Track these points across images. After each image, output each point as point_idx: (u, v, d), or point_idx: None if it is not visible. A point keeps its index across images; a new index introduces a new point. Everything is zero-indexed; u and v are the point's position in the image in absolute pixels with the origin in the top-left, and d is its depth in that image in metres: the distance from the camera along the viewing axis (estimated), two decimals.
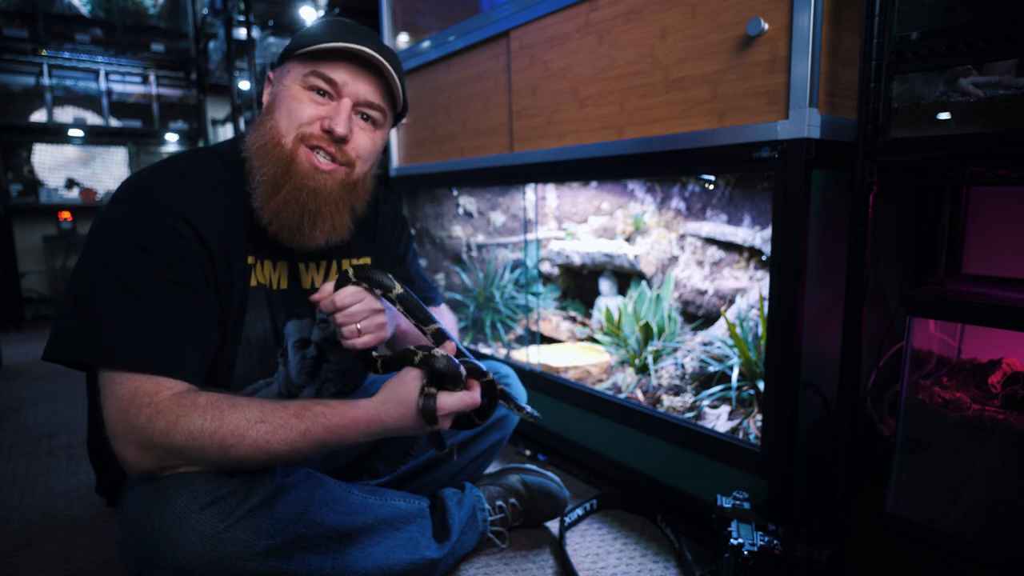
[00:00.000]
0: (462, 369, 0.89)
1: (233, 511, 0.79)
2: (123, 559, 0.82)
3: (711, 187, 1.81)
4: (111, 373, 0.79)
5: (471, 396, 0.88)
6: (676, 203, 1.94)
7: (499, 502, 1.22)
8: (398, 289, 0.95)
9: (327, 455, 1.15)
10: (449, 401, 0.87)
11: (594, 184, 2.15)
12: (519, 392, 1.31)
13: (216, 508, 0.78)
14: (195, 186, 0.88)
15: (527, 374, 1.64)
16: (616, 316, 1.93)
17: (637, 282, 2.01)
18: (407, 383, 0.87)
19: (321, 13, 3.79)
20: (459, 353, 0.94)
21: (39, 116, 3.93)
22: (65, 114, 4.02)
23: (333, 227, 0.93)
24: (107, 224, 0.83)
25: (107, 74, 4.11)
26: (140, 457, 0.78)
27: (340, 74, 0.91)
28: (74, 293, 0.81)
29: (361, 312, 0.92)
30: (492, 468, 1.35)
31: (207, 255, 0.87)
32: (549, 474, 1.29)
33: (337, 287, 0.92)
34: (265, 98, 0.96)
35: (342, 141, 0.91)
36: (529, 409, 0.96)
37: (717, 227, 1.81)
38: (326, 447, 0.83)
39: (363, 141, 0.94)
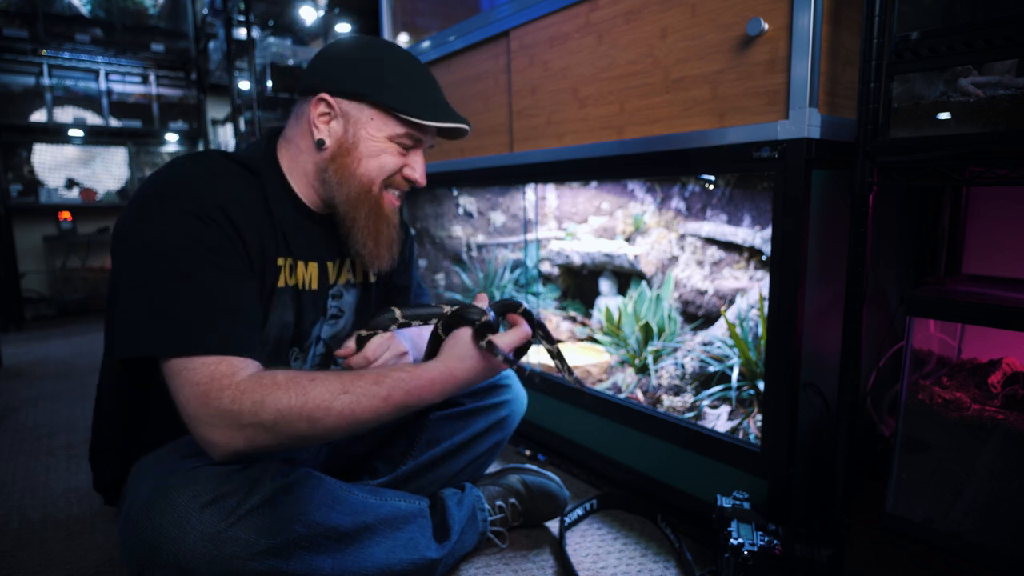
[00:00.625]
0: (490, 312, 0.93)
1: (234, 510, 0.79)
2: (123, 558, 0.82)
3: (711, 187, 1.81)
4: (183, 361, 0.79)
5: (522, 330, 0.93)
6: (676, 203, 1.94)
7: (499, 502, 1.22)
8: (398, 313, 1.00)
9: (328, 456, 1.16)
10: (505, 339, 0.91)
11: (594, 184, 2.15)
12: (519, 394, 1.31)
13: (217, 507, 0.79)
14: (231, 186, 0.90)
15: (527, 374, 1.64)
16: (616, 316, 1.93)
17: (637, 282, 2.01)
18: (460, 340, 0.91)
19: (321, 13, 3.80)
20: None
21: (39, 116, 3.93)
22: (65, 114, 4.03)
23: (396, 246, 1.04)
24: (152, 218, 0.84)
25: (107, 74, 4.11)
26: (230, 438, 0.78)
27: (429, 138, 1.00)
28: (131, 289, 0.81)
29: (391, 358, 0.99)
30: (492, 468, 1.35)
31: (245, 250, 0.89)
32: (549, 474, 1.29)
33: (359, 345, 0.98)
34: (325, 124, 0.96)
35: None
36: (569, 375, 0.98)
37: (717, 227, 1.81)
38: (406, 410, 0.84)
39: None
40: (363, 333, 0.99)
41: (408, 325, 1.02)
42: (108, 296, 0.91)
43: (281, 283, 0.97)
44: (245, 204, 0.90)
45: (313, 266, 1.02)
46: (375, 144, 0.96)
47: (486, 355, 0.89)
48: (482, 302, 0.98)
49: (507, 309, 0.96)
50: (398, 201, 1.02)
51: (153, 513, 0.77)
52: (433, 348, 0.94)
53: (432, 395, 0.86)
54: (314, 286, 1.03)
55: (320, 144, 0.96)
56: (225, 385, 0.78)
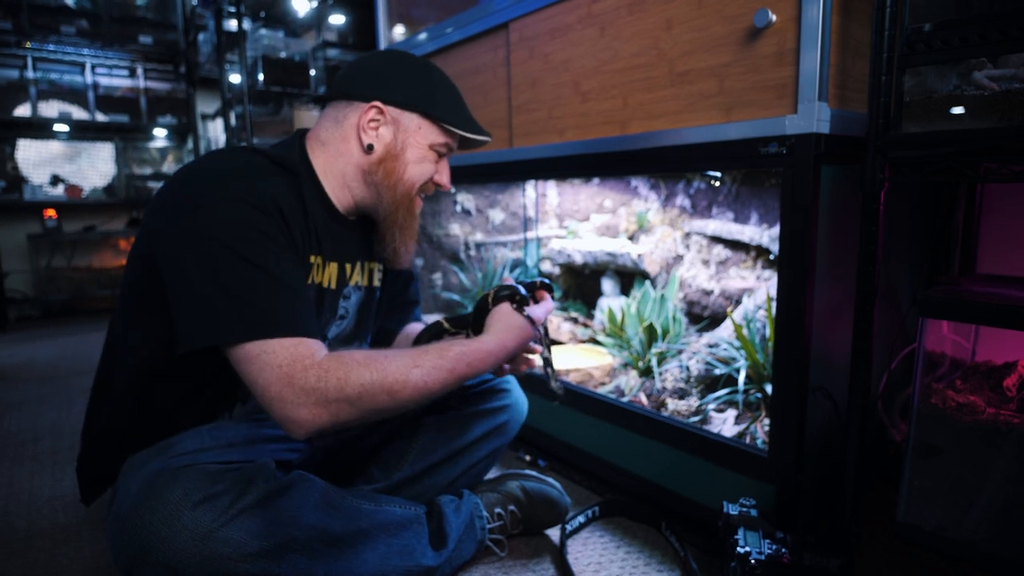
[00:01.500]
0: (520, 288, 1.10)
1: (226, 510, 0.80)
2: (112, 557, 0.83)
3: (717, 184, 1.81)
4: (261, 344, 0.82)
5: (549, 302, 1.12)
6: (681, 200, 1.94)
7: (498, 509, 1.22)
8: (445, 326, 1.15)
9: (323, 461, 1.16)
10: (539, 311, 1.07)
11: (596, 181, 2.15)
12: (519, 399, 1.31)
13: (209, 506, 0.79)
14: (275, 180, 0.95)
15: (527, 377, 1.64)
16: (619, 317, 1.93)
17: (641, 282, 2.01)
18: (505, 312, 1.05)
19: (314, 4, 3.79)
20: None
21: (23, 110, 3.93)
22: (50, 108, 4.02)
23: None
24: (209, 206, 0.86)
25: (93, 67, 4.11)
26: (316, 415, 0.82)
27: (455, 148, 1.11)
28: (198, 277, 0.83)
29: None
30: (491, 474, 1.35)
31: (293, 243, 0.94)
32: (550, 480, 1.29)
33: (437, 336, 1.13)
34: (374, 129, 1.04)
35: None
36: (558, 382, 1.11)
37: (723, 225, 1.81)
38: (466, 379, 0.95)
39: None
40: (450, 329, 1.14)
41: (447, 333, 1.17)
42: (126, 289, 0.95)
43: (309, 280, 1.01)
44: (289, 200, 0.95)
45: (334, 266, 1.07)
46: (419, 151, 1.05)
47: (528, 324, 1.04)
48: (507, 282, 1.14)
49: (532, 288, 1.14)
50: (421, 204, 1.12)
51: (143, 511, 0.78)
52: (478, 322, 1.08)
53: (488, 365, 0.97)
54: (333, 286, 1.07)
55: (369, 148, 1.03)
56: (308, 365, 0.82)
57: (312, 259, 1.01)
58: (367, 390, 0.84)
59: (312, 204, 1.01)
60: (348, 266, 1.10)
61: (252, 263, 0.84)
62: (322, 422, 0.83)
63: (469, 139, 1.09)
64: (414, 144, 1.04)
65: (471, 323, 1.10)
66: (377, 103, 1.02)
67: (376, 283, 1.20)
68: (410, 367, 0.88)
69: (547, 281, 1.15)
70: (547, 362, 1.12)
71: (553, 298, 1.14)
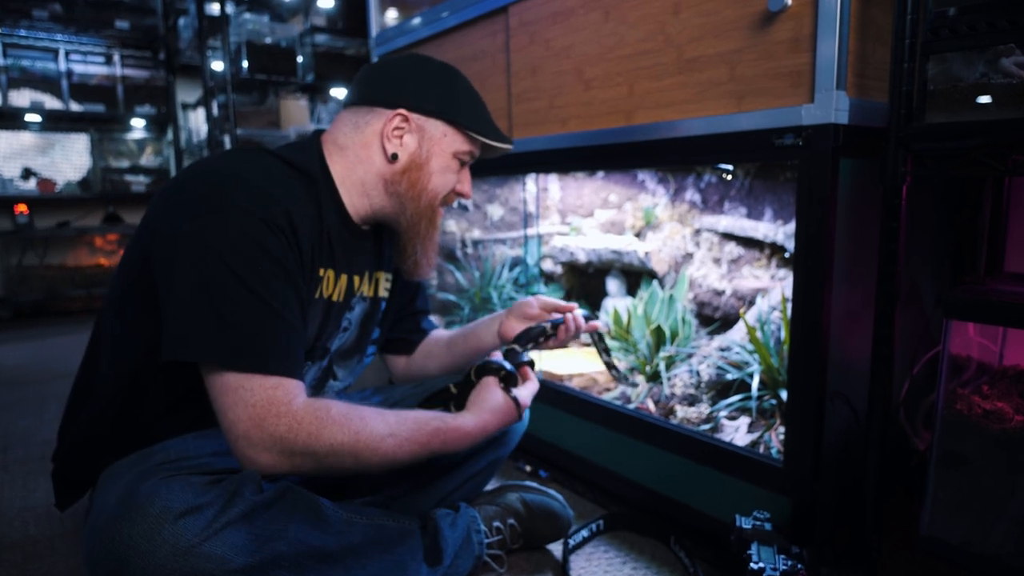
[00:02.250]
0: (507, 364, 1.12)
1: (210, 523, 0.80)
2: (87, 571, 0.83)
3: (729, 177, 1.81)
4: (241, 378, 0.84)
5: (534, 384, 1.12)
6: (691, 195, 1.94)
7: (496, 523, 1.22)
8: (453, 391, 1.15)
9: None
10: (525, 393, 1.09)
11: (601, 174, 2.15)
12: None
13: (191, 519, 0.79)
14: (293, 190, 0.96)
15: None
16: (625, 319, 1.93)
17: (648, 281, 2.01)
18: (493, 392, 1.06)
19: None
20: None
21: None
22: (21, 97, 4.02)
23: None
24: (215, 215, 0.86)
25: (67, 53, 4.11)
26: (276, 463, 0.85)
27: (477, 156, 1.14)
28: (192, 289, 0.84)
29: None
30: (490, 486, 1.35)
31: (300, 261, 0.94)
32: (551, 492, 1.29)
33: (511, 359, 1.15)
34: (398, 137, 1.05)
35: None
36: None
37: (736, 221, 1.81)
38: (436, 455, 0.96)
39: None
40: (516, 348, 1.18)
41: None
42: (122, 287, 0.96)
43: (317, 294, 1.02)
44: (305, 211, 0.96)
45: (344, 279, 1.08)
46: (444, 160, 1.07)
47: (513, 406, 1.05)
48: (531, 308, 1.23)
49: (517, 364, 1.15)
50: (442, 214, 1.15)
51: (122, 523, 0.78)
52: (461, 396, 1.09)
53: (464, 445, 0.99)
54: (341, 299, 1.08)
55: (394, 158, 1.05)
56: (282, 412, 0.84)
57: (322, 272, 1.01)
58: (334, 451, 0.86)
59: (328, 213, 1.02)
60: (357, 278, 1.12)
61: (248, 287, 0.85)
62: (280, 470, 0.86)
63: (491, 147, 1.11)
64: (439, 153, 1.07)
65: (454, 396, 1.12)
66: (402, 111, 1.04)
67: (383, 293, 1.21)
68: (384, 435, 0.90)
69: (531, 360, 1.16)
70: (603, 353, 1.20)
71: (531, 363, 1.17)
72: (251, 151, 0.99)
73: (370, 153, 1.05)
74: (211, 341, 0.83)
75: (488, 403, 1.04)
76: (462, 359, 1.30)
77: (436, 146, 1.06)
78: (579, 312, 1.23)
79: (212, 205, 0.87)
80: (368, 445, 0.88)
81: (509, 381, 1.09)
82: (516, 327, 1.24)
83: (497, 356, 1.14)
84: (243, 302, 0.84)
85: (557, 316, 1.22)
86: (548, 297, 1.26)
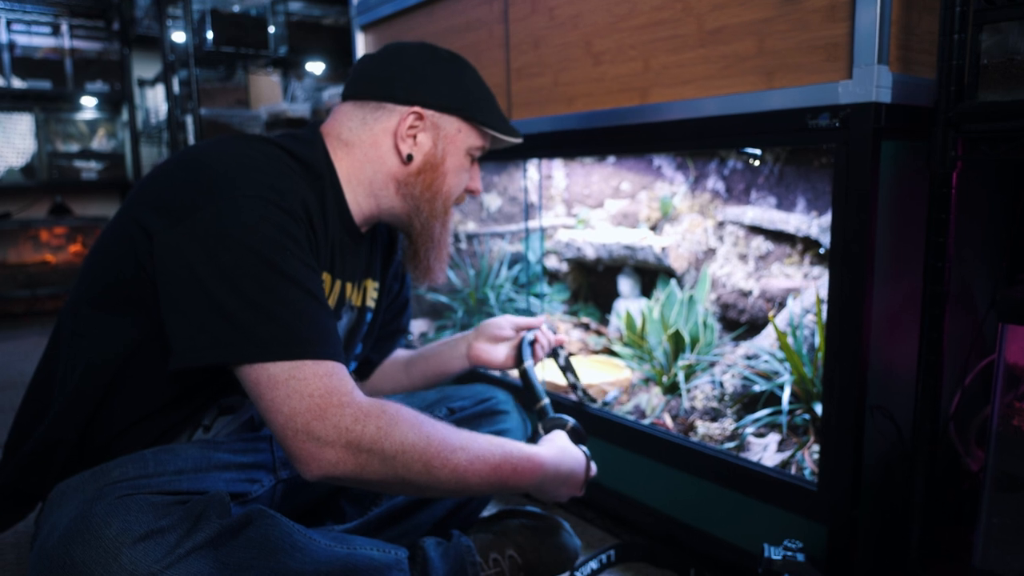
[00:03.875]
0: (572, 422, 1.20)
1: (172, 549, 0.80)
2: None
3: (756, 163, 1.81)
4: (292, 367, 0.85)
5: (595, 466, 1.17)
6: (713, 183, 1.94)
7: (494, 554, 1.22)
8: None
9: (284, 495, 1.16)
10: (594, 466, 1.15)
11: (612, 160, 2.15)
12: (519, 423, 1.32)
13: (152, 543, 0.80)
14: (300, 182, 0.98)
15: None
16: (639, 323, 1.93)
17: (665, 281, 2.01)
18: (568, 441, 1.12)
19: None
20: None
21: None
22: None
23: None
24: (229, 202, 0.88)
25: (8, 23, 4.10)
26: (341, 459, 0.85)
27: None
28: (214, 285, 0.85)
29: None
30: (487, 511, 1.35)
31: (316, 254, 0.97)
32: (556, 518, 1.29)
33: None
34: (411, 136, 1.09)
35: None
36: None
37: (764, 213, 1.81)
38: (503, 488, 0.97)
39: None
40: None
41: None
42: (95, 289, 0.96)
43: None
44: (314, 206, 0.98)
45: (338, 285, 1.10)
46: (458, 158, 1.13)
47: (584, 460, 1.11)
48: (501, 329, 1.29)
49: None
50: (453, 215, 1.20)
51: (74, 546, 0.78)
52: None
53: (530, 482, 0.99)
54: (332, 307, 1.10)
55: (409, 159, 1.09)
56: (346, 403, 0.85)
57: (323, 276, 1.04)
58: (406, 451, 0.86)
59: (332, 214, 1.04)
60: (349, 286, 1.14)
61: (281, 271, 0.86)
62: (344, 470, 0.85)
63: (501, 140, 1.17)
64: (454, 151, 1.12)
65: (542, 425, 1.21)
66: (417, 108, 1.08)
67: (369, 304, 1.23)
68: (456, 447, 0.91)
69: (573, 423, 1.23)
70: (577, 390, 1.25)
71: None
72: (252, 138, 1.01)
73: (380, 152, 1.08)
74: (246, 335, 0.84)
75: (560, 442, 1.10)
76: (421, 381, 1.35)
77: (451, 144, 1.11)
78: (546, 328, 1.34)
79: (221, 192, 0.89)
80: (440, 453, 0.89)
81: (578, 438, 1.17)
82: (487, 349, 1.31)
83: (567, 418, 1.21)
84: (276, 286, 0.86)
85: (528, 335, 1.31)
86: (516, 317, 1.34)
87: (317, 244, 0.97)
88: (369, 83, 1.10)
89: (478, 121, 1.12)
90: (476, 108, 1.12)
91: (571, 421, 1.19)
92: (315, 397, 0.84)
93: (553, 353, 1.40)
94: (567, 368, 1.43)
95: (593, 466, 1.15)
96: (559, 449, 1.07)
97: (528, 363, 1.27)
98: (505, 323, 1.34)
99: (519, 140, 1.17)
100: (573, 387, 1.46)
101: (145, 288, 0.90)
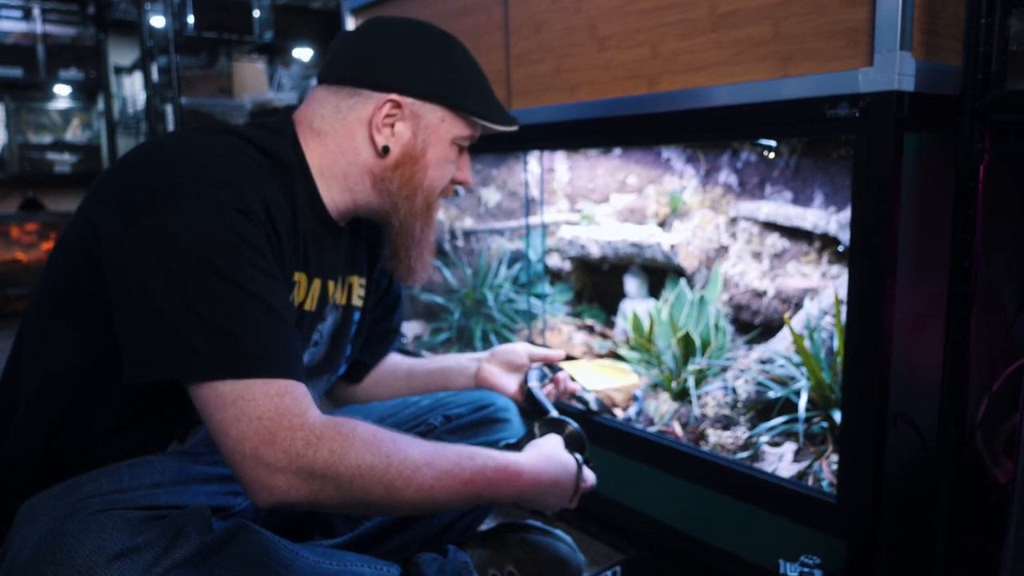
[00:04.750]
0: (575, 426, 1.15)
1: (150, 567, 0.80)
2: None
3: (771, 156, 1.81)
4: (241, 387, 0.83)
5: (593, 475, 1.12)
6: (725, 177, 1.94)
7: (492, 570, 1.22)
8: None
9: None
10: (590, 476, 1.10)
11: (617, 152, 2.15)
12: (520, 432, 1.31)
13: (128, 562, 0.79)
14: (265, 177, 0.96)
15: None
16: (647, 325, 1.93)
17: (674, 280, 2.01)
18: (556, 444, 1.08)
19: None
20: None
21: None
22: None
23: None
24: (181, 204, 0.86)
25: None
26: (294, 486, 0.84)
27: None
28: (162, 295, 0.84)
29: None
30: (485, 525, 1.35)
31: (281, 257, 0.95)
32: (558, 533, 1.29)
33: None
34: (389, 126, 1.06)
35: None
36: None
37: (779, 208, 1.81)
38: (478, 502, 0.96)
39: None
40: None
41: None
42: (55, 292, 0.96)
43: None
44: (279, 202, 0.96)
45: (317, 284, 1.08)
46: (442, 149, 1.09)
47: (575, 467, 1.07)
48: (518, 358, 1.29)
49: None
50: (440, 208, 1.18)
51: (46, 565, 0.78)
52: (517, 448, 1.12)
53: (509, 493, 0.97)
54: (314, 308, 1.08)
55: (385, 151, 1.06)
56: (297, 425, 0.83)
57: (296, 276, 1.02)
58: (363, 474, 0.85)
59: (303, 208, 1.02)
60: (331, 283, 1.12)
61: (234, 282, 0.85)
62: (297, 497, 0.84)
63: (492, 129, 1.13)
64: (436, 142, 1.08)
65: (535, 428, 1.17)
66: (394, 95, 1.04)
67: (356, 302, 1.21)
68: (420, 463, 0.89)
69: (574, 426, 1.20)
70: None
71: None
72: (212, 129, 0.99)
73: (355, 143, 1.06)
74: (196, 352, 0.82)
75: (547, 449, 1.06)
76: (422, 395, 1.33)
77: (433, 134, 1.08)
78: (565, 375, 1.33)
79: (173, 193, 0.87)
80: (401, 473, 0.87)
81: (575, 445, 1.12)
82: (498, 375, 1.30)
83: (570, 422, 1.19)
84: (227, 298, 0.84)
85: (537, 371, 1.31)
86: (535, 347, 1.33)
87: (281, 245, 0.95)
88: (345, 65, 1.07)
89: (465, 109, 1.08)
90: (463, 94, 1.08)
91: (571, 425, 1.16)
92: (264, 420, 0.82)
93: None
94: (586, 404, 1.45)
95: (589, 475, 1.11)
96: (543, 457, 1.04)
97: (534, 384, 1.26)
98: (522, 351, 1.32)
99: (514, 128, 1.14)
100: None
101: (99, 293, 0.89)
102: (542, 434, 1.13)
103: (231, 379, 0.83)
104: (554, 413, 1.19)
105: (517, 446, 1.11)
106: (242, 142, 0.98)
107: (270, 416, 0.82)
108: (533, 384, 1.25)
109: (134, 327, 0.85)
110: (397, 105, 1.04)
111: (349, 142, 1.05)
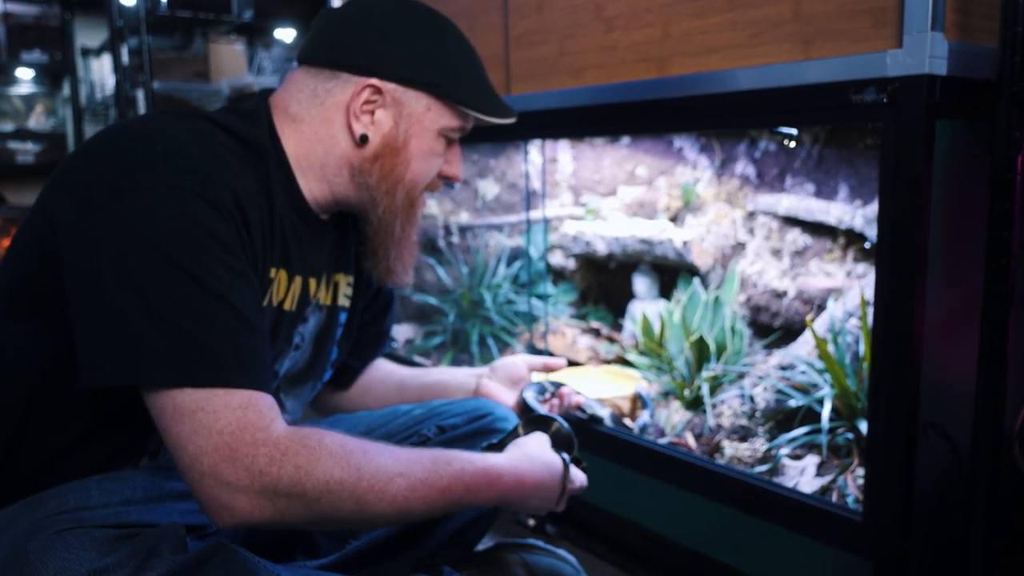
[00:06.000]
0: (565, 424, 1.16)
1: None
2: None
3: (792, 145, 1.81)
4: (202, 397, 0.82)
5: (583, 476, 1.12)
6: (742, 167, 1.94)
7: None
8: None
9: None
10: (580, 476, 1.10)
11: (626, 141, 2.15)
12: None
13: None
14: (236, 165, 0.95)
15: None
16: (657, 328, 1.93)
17: (687, 280, 2.01)
18: (541, 443, 1.09)
19: None
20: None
21: None
22: None
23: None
24: (142, 194, 0.85)
25: None
26: (256, 507, 0.83)
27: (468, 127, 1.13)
28: (117, 294, 0.83)
29: None
30: (483, 544, 1.35)
31: (252, 252, 0.94)
32: (562, 552, 1.29)
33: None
34: (368, 114, 1.05)
35: None
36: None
37: (801, 201, 1.81)
38: (457, 508, 0.97)
39: None
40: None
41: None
42: (10, 290, 0.95)
43: (267, 300, 1.01)
44: (254, 196, 0.95)
45: (298, 282, 1.07)
46: (427, 141, 1.08)
47: (561, 467, 1.06)
48: (519, 371, 1.30)
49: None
50: (424, 204, 1.16)
51: None
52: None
53: (489, 497, 0.98)
54: (294, 307, 1.08)
55: (363, 140, 1.05)
56: (259, 440, 0.82)
57: (273, 272, 1.01)
58: (332, 491, 0.84)
59: (280, 199, 1.01)
60: (313, 281, 1.11)
61: (198, 280, 0.84)
62: (261, 518, 0.84)
63: (487, 121, 1.12)
64: (421, 132, 1.07)
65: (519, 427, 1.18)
66: (375, 80, 1.03)
67: (342, 302, 1.21)
68: (393, 474, 0.88)
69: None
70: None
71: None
72: (182, 114, 0.98)
73: (332, 131, 1.05)
74: (150, 354, 0.82)
75: (530, 449, 1.06)
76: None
77: (417, 124, 1.06)
78: (568, 389, 1.34)
79: (135, 182, 0.86)
80: (373, 486, 0.87)
81: (563, 444, 1.12)
82: (499, 392, 1.30)
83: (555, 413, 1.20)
84: (189, 298, 0.83)
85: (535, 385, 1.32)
86: (533, 356, 1.34)
87: (253, 241, 0.94)
88: (325, 46, 1.06)
89: (453, 98, 1.06)
90: (452, 82, 1.06)
91: (558, 421, 1.15)
92: (224, 435, 0.81)
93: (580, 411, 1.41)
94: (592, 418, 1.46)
95: (577, 476, 1.10)
96: (526, 457, 1.04)
97: (528, 394, 1.26)
98: (523, 364, 1.33)
99: (510, 120, 1.12)
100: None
101: (56, 290, 0.88)
102: (527, 433, 1.13)
103: (190, 388, 0.82)
104: (560, 422, 1.19)
105: (499, 446, 1.11)
106: (214, 127, 0.97)
107: (231, 431, 0.82)
108: (527, 393, 1.27)
109: (88, 326, 0.85)
110: (378, 91, 1.03)
111: (326, 130, 1.04)
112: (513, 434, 1.14)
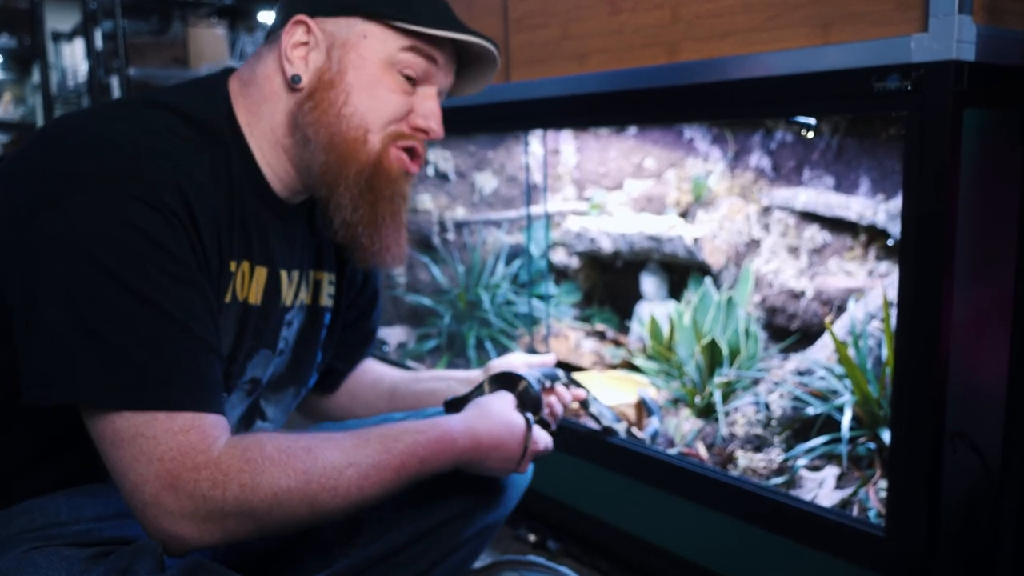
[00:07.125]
0: (533, 381, 1.16)
1: None
2: None
3: (810, 135, 1.81)
4: (141, 421, 0.82)
5: (549, 438, 1.13)
6: (757, 159, 1.94)
7: None
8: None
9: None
10: (544, 437, 1.11)
11: (633, 131, 2.15)
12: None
13: None
14: (183, 156, 0.93)
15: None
16: (666, 331, 1.93)
17: (698, 279, 2.01)
18: (507, 404, 1.09)
19: None
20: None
21: None
22: None
23: (406, 233, 1.13)
24: (77, 200, 0.84)
25: None
26: (205, 531, 0.84)
27: (441, 56, 1.05)
28: (51, 308, 0.82)
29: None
30: (480, 561, 1.35)
31: (203, 254, 0.92)
32: (563, 570, 1.29)
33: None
34: (302, 57, 1.02)
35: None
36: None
37: (819, 196, 1.81)
38: (417, 481, 0.98)
39: None
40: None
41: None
42: None
43: (228, 297, 1.00)
44: (202, 184, 0.93)
45: (262, 272, 1.05)
46: (370, 72, 1.02)
47: (524, 426, 1.07)
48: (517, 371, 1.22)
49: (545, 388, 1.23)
50: (414, 166, 1.08)
51: None
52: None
53: (448, 461, 1.00)
54: (259, 301, 1.06)
55: (295, 80, 1.01)
56: (201, 463, 0.82)
57: (234, 266, 1.00)
58: (282, 501, 0.85)
59: (240, 186, 1.00)
60: (284, 274, 1.09)
61: (137, 292, 0.83)
62: (212, 540, 0.85)
63: (463, 53, 1.08)
64: (359, 63, 1.01)
65: (484, 385, 1.18)
66: (302, 17, 1.00)
67: (325, 302, 1.20)
68: (343, 465, 0.90)
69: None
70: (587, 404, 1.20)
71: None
72: (131, 103, 0.97)
73: (273, 86, 1.03)
74: (84, 374, 0.81)
75: (490, 408, 1.07)
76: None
77: (353, 52, 1.01)
78: (561, 387, 1.33)
79: (74, 184, 0.85)
80: (324, 485, 0.88)
81: (529, 404, 1.12)
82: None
83: (526, 371, 1.19)
84: (130, 314, 0.83)
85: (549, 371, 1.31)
86: (532, 356, 1.35)
87: (202, 241, 0.92)
88: (278, 9, 1.06)
89: (385, 16, 1.00)
90: (385, 1, 1.01)
91: (527, 380, 1.15)
92: (165, 461, 0.81)
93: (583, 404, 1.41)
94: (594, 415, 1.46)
95: (541, 436, 1.11)
96: (483, 416, 1.06)
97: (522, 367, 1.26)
98: (519, 363, 1.31)
99: (463, 37, 1.03)
100: (607, 432, 1.50)
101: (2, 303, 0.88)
102: (492, 391, 1.14)
103: (128, 411, 0.82)
104: (520, 373, 1.20)
105: (460, 403, 1.13)
106: (166, 114, 0.96)
107: (171, 456, 0.82)
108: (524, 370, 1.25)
109: (25, 342, 0.84)
110: (307, 29, 1.01)
111: (269, 85, 1.03)
112: (477, 391, 1.15)
